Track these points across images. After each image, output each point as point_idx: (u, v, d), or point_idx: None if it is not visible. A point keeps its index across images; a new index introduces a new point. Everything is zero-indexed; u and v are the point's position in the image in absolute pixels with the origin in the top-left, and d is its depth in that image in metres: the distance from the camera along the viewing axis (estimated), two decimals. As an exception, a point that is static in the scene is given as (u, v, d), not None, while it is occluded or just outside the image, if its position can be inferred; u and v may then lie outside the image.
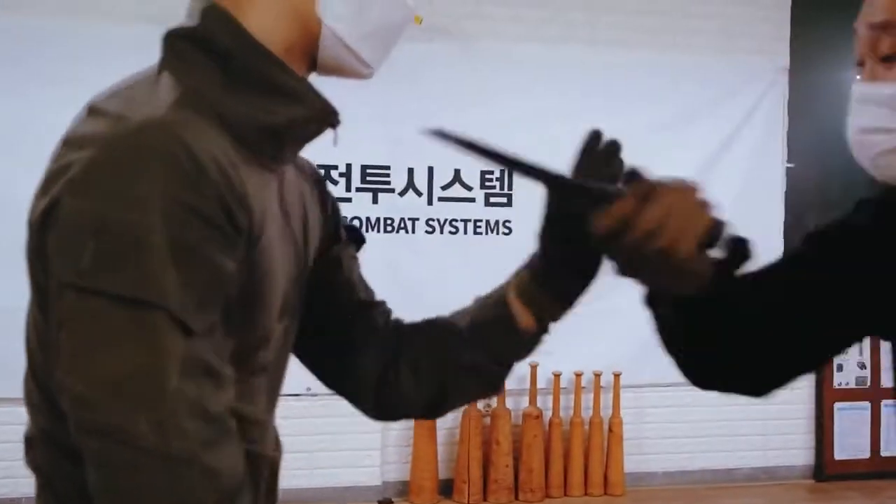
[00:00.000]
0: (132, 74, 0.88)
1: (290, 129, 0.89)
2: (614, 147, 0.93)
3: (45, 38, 3.74)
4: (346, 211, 4.24)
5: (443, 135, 0.86)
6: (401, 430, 4.23)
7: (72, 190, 0.75)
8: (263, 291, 0.86)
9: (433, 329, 1.06)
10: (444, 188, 4.21)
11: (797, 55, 4.66)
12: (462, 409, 4.16)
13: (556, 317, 1.01)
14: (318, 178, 1.08)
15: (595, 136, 0.92)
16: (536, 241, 0.99)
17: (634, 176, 0.85)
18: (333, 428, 4.00)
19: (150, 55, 0.89)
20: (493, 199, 4.24)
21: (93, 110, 0.82)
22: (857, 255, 1.04)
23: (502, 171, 4.26)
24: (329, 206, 1.08)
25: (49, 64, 3.70)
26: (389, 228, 4.14)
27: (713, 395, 3.90)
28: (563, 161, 3.85)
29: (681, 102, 4.27)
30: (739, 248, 0.85)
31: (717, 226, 0.84)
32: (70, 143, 0.80)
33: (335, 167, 4.07)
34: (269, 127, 0.87)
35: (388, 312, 1.11)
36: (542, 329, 1.01)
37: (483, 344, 1.00)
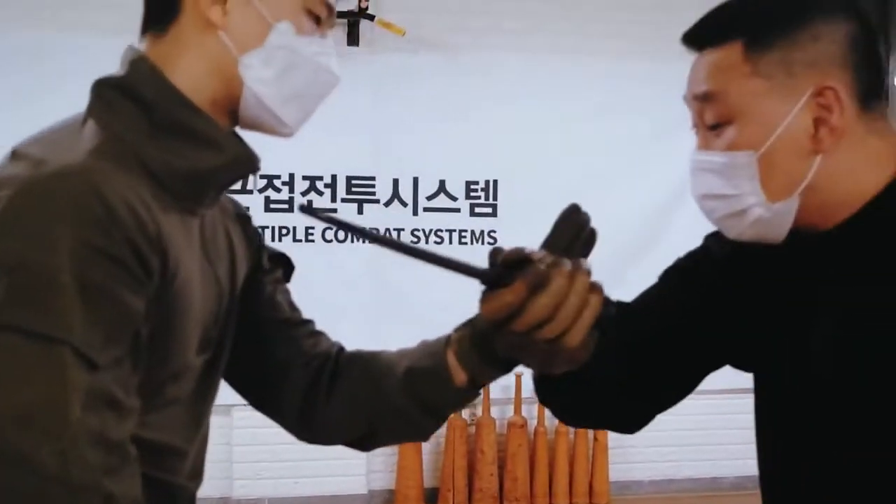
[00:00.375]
0: (60, 121, 0.92)
1: (209, 175, 0.94)
2: (588, 220, 0.94)
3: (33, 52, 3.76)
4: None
5: (310, 211, 0.89)
6: (386, 440, 4.25)
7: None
8: (179, 328, 0.90)
9: (373, 367, 1.08)
10: (429, 198, 4.24)
11: None
12: (447, 418, 4.18)
13: (489, 379, 1.03)
14: (243, 214, 1.13)
15: (573, 209, 0.94)
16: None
17: (523, 260, 0.84)
18: (319, 437, 4.01)
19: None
20: (478, 210, 4.27)
21: (16, 154, 0.86)
22: (704, 287, 1.08)
23: (486, 182, 4.29)
24: (254, 238, 1.12)
25: (36, 78, 3.72)
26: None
27: (699, 405, 3.98)
28: (551, 168, 3.88)
29: (668, 112, 4.30)
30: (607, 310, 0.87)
31: (605, 309, 0.85)
32: None
33: (320, 178, 4.09)
34: (190, 173, 0.91)
35: (314, 334, 1.14)
36: (475, 387, 1.03)
37: (416, 393, 1.03)
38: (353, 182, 4.14)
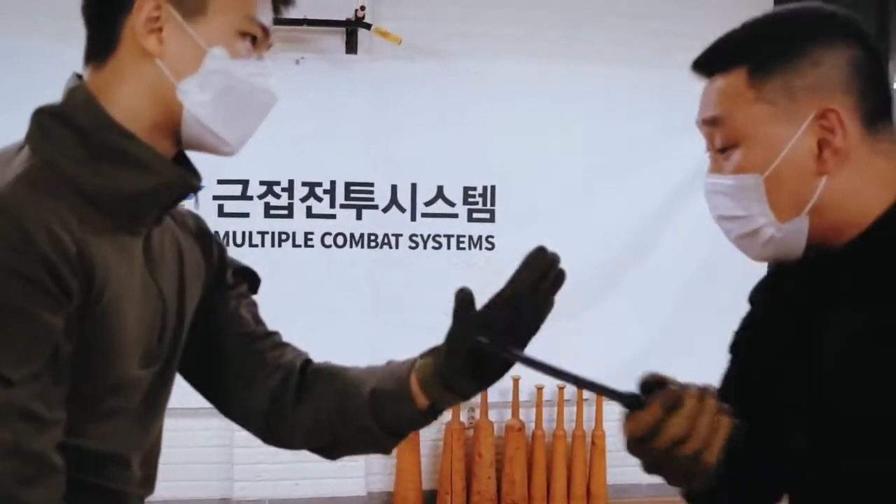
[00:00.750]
0: (5, 148, 0.96)
1: (145, 197, 0.97)
2: (555, 261, 0.99)
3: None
4: (330, 227, 4.32)
5: (513, 355, 0.96)
6: (385, 443, 4.29)
7: None
8: (111, 343, 0.94)
9: (339, 383, 1.13)
10: (427, 204, 4.28)
11: None
12: (445, 421, 4.22)
13: (449, 404, 1.09)
14: (203, 230, 1.16)
15: (540, 251, 0.99)
16: (445, 338, 1.04)
17: (659, 384, 0.92)
18: (318, 440, 4.05)
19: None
20: (476, 215, 4.31)
21: None
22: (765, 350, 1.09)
23: (484, 187, 4.33)
24: (215, 255, 1.16)
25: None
26: (373, 244, 4.21)
27: None
28: (549, 173, 3.92)
29: (664, 117, 4.32)
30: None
31: (735, 429, 0.92)
32: None
33: (319, 184, 4.14)
34: (126, 196, 0.95)
35: (278, 346, 1.18)
36: (435, 410, 1.09)
37: (379, 414, 1.08)
38: (352, 188, 4.18)
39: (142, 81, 0.97)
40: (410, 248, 4.26)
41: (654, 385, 0.92)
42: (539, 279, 0.97)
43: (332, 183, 4.15)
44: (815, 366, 0.99)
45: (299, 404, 1.13)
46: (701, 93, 1.02)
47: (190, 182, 1.01)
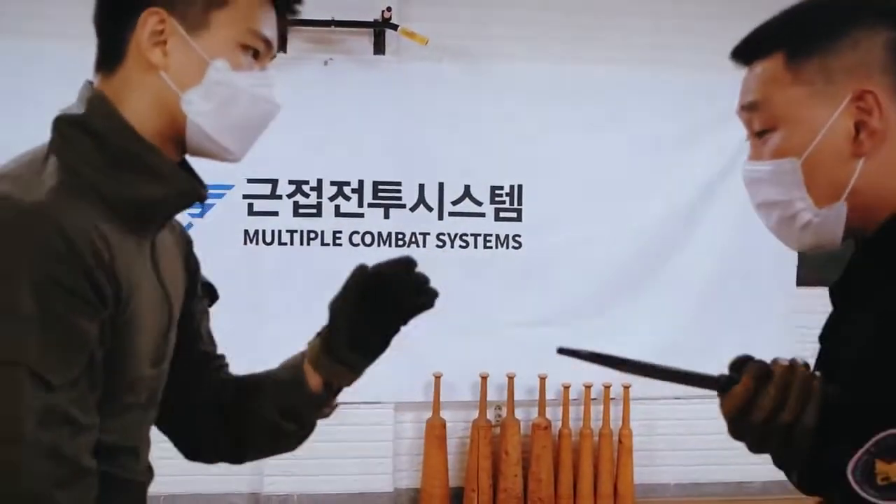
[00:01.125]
0: (24, 152, 0.99)
1: (156, 205, 1.02)
2: (423, 279, 1.11)
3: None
4: (358, 226, 4.35)
5: (572, 352, 0.98)
6: (412, 440, 4.32)
7: None
8: (133, 346, 0.98)
9: (247, 385, 1.19)
10: (454, 203, 4.30)
11: None
12: (471, 419, 4.24)
13: (343, 382, 1.15)
14: (186, 238, 1.21)
15: (406, 262, 1.10)
16: (328, 312, 1.12)
17: (746, 362, 0.94)
18: (346, 436, 4.08)
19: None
20: (503, 214, 4.33)
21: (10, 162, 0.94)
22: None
23: (511, 187, 4.34)
24: (192, 263, 1.20)
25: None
26: (401, 243, 4.24)
27: None
28: (575, 173, 3.93)
29: (692, 117, 4.32)
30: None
31: (828, 394, 0.92)
32: None
33: (347, 183, 4.17)
34: (139, 203, 0.99)
35: (222, 367, 1.24)
36: (332, 392, 1.14)
37: (278, 402, 1.14)
38: (380, 187, 4.22)
39: (147, 92, 1.00)
40: (438, 246, 4.29)
41: (742, 364, 0.93)
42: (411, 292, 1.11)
43: (361, 182, 4.19)
44: (833, 352, 1.00)
45: (210, 416, 1.19)
46: (741, 83, 1.02)
47: (199, 192, 1.05)
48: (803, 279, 4.44)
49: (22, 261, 0.85)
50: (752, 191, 1.02)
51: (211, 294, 1.25)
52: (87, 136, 0.98)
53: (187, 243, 1.20)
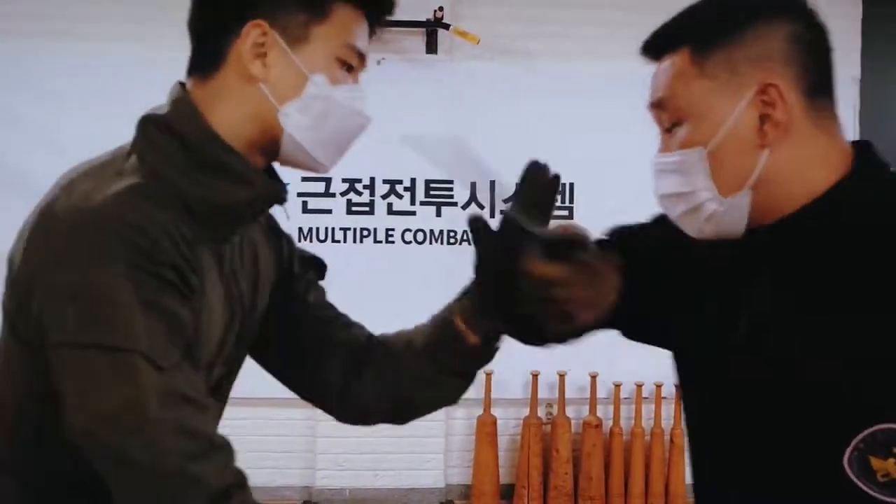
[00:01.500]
0: (108, 151, 1.03)
1: (240, 208, 1.03)
2: (553, 179, 1.09)
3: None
4: (410, 224, 4.41)
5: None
6: (464, 436, 4.35)
7: (46, 264, 0.91)
8: (203, 337, 1.01)
9: (393, 345, 1.20)
10: (505, 201, 4.31)
11: (868, 66, 4.62)
12: (522, 417, 4.25)
13: (497, 335, 1.14)
14: (274, 227, 1.23)
15: (535, 167, 1.08)
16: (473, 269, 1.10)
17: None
18: (398, 431, 4.11)
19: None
20: (555, 212, 4.33)
21: (68, 186, 0.97)
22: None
23: (563, 185, 4.33)
24: (285, 249, 1.23)
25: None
26: (452, 241, 4.28)
27: None
28: (627, 171, 3.91)
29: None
30: None
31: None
32: (45, 214, 0.95)
33: (400, 182, 4.22)
34: (223, 206, 1.00)
35: (348, 326, 1.25)
36: (491, 346, 1.14)
37: (437, 359, 1.14)
38: (432, 185, 4.26)
39: (245, 102, 1.01)
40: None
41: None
42: (542, 192, 1.09)
43: (413, 180, 4.23)
44: (728, 338, 1.00)
45: (365, 378, 1.20)
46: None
47: (281, 195, 1.08)
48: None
49: (111, 256, 0.89)
50: (658, 182, 1.02)
51: (317, 266, 1.27)
52: (172, 138, 0.99)
53: (276, 231, 1.23)
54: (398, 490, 4.29)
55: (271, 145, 1.04)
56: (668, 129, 1.01)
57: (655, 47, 1.03)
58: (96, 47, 4.06)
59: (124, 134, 1.04)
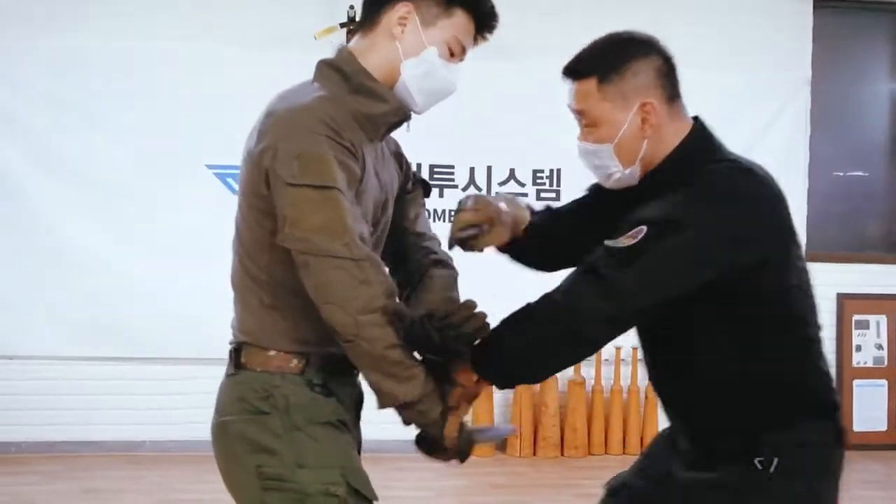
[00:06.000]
0: (298, 84, 1.53)
1: (383, 117, 1.52)
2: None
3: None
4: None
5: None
6: (462, 393, 4.82)
7: (278, 139, 1.40)
8: (363, 204, 1.48)
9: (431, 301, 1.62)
10: (500, 184, 4.80)
11: (819, 67, 4.98)
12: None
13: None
14: (399, 150, 1.73)
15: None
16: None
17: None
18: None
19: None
20: (543, 195, 4.82)
21: (280, 102, 1.48)
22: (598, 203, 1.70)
23: (551, 170, 4.82)
24: (404, 167, 1.72)
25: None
26: (453, 219, 4.73)
27: None
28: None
29: (702, 114, 4.69)
30: None
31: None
32: (270, 114, 1.46)
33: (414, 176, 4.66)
34: (370, 116, 1.50)
35: (427, 246, 1.70)
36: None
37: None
38: (435, 169, 4.74)
39: (385, 52, 1.51)
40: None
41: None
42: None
43: (419, 165, 4.69)
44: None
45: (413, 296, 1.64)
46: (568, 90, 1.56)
47: (407, 111, 1.54)
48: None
49: (317, 130, 1.39)
50: (583, 158, 1.57)
51: (424, 187, 1.76)
52: (336, 73, 1.51)
53: (401, 154, 1.72)
54: (407, 441, 4.68)
55: (392, 84, 1.52)
56: (584, 126, 1.56)
57: (573, 73, 1.56)
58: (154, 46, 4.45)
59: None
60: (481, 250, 1.71)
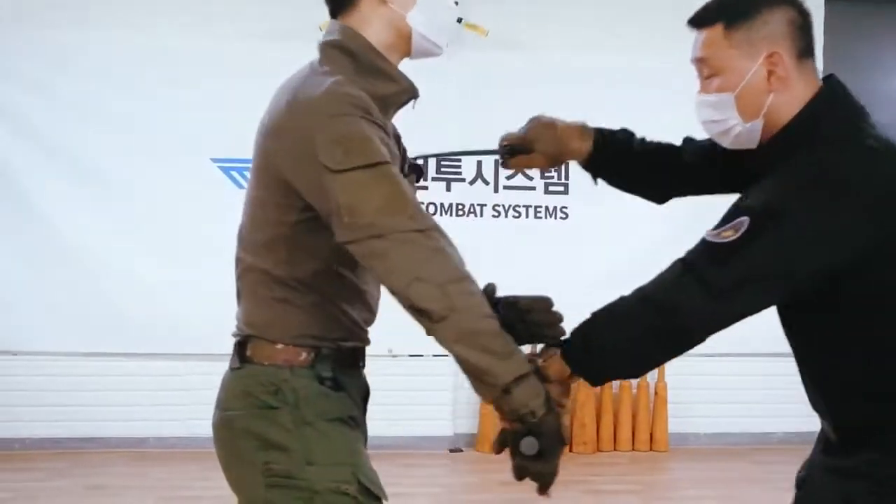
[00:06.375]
0: (301, 68, 1.48)
1: (391, 97, 1.48)
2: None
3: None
4: (422, 197, 4.92)
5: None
6: (471, 390, 4.77)
7: (315, 129, 1.35)
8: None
9: None
10: (508, 178, 4.76)
11: (830, 62, 4.93)
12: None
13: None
14: (398, 134, 1.62)
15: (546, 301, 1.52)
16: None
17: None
18: (410, 385, 4.57)
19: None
20: (551, 188, 4.78)
21: (295, 90, 1.42)
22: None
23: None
24: (402, 151, 1.63)
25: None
26: (460, 213, 4.71)
27: (755, 365, 4.54)
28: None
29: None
30: None
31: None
32: (292, 103, 1.40)
33: (414, 160, 4.62)
34: (380, 96, 1.44)
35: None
36: None
37: None
38: (443, 162, 4.70)
39: (382, 20, 1.47)
40: (493, 216, 4.75)
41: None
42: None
43: (425, 158, 4.64)
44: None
45: None
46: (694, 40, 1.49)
47: (416, 90, 1.52)
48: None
49: (354, 112, 1.35)
50: (701, 113, 1.49)
51: (417, 172, 1.70)
52: (343, 53, 1.46)
53: (399, 137, 1.62)
54: (411, 438, 4.67)
55: (405, 44, 1.50)
56: (706, 77, 1.48)
57: (699, 21, 1.49)
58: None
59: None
60: (514, 168, 1.88)
